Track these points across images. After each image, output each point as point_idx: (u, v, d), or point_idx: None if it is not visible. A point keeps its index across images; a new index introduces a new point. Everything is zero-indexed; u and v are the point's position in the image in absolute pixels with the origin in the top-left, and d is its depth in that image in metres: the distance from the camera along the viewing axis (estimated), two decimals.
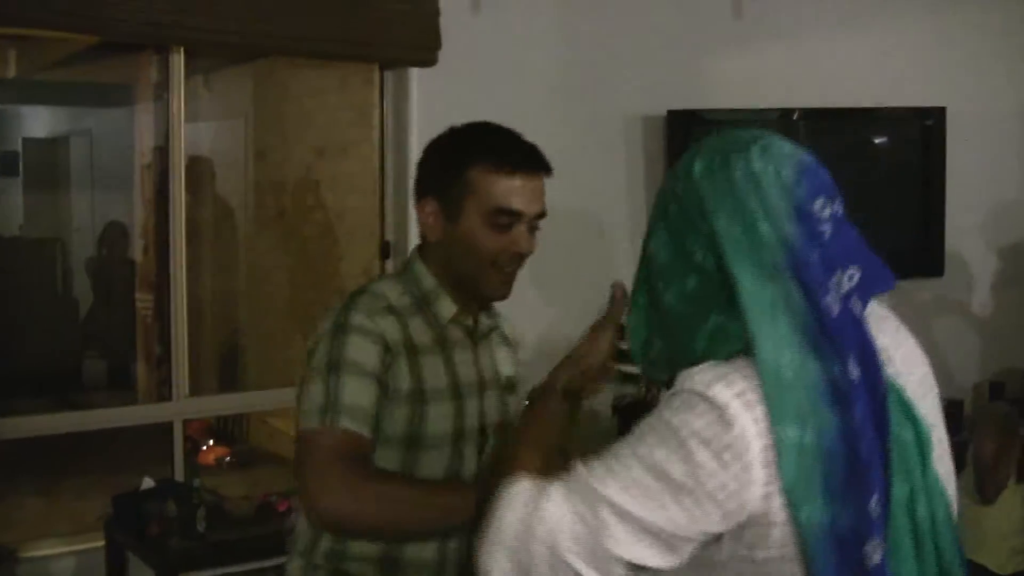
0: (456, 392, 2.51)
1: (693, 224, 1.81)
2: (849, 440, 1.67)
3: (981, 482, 5.24)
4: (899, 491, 1.73)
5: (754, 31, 6.45)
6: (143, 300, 7.14)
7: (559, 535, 1.68)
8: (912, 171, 6.46)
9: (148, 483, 4.98)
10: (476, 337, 2.60)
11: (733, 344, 1.73)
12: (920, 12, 6.46)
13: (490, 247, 2.46)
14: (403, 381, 2.42)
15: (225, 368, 7.57)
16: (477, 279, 2.51)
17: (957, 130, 6.32)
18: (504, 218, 2.45)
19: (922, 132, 6.42)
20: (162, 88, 5.79)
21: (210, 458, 6.93)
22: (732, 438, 1.66)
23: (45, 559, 5.12)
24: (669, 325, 1.85)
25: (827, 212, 1.89)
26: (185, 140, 5.70)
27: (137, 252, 7.36)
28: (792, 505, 1.65)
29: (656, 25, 6.40)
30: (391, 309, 2.46)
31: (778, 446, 1.65)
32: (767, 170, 1.83)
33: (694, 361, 1.76)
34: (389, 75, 6.04)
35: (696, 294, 1.80)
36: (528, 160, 2.52)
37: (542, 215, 2.52)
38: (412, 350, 2.45)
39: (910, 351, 2.01)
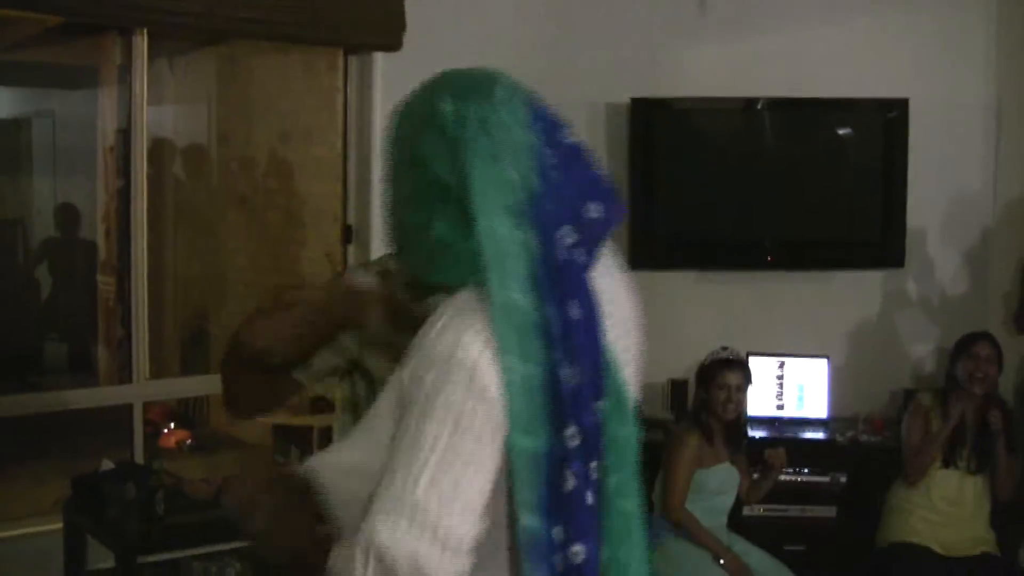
0: None
1: (442, 156, 1.93)
2: (564, 375, 1.81)
3: (907, 466, 5.45)
4: (615, 431, 1.93)
5: (719, 20, 6.47)
6: (105, 282, 7.11)
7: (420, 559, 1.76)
8: (875, 162, 6.49)
9: (107, 465, 4.96)
10: None
11: (463, 268, 1.86)
12: (884, 4, 6.48)
13: None
14: None
15: (187, 351, 7.55)
16: None
17: (920, 122, 6.35)
18: None
19: (885, 123, 6.45)
20: (125, 70, 5.75)
21: (171, 441, 6.92)
22: (488, 395, 1.79)
23: (5, 540, 5.10)
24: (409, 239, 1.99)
25: (559, 149, 1.96)
26: (148, 123, 5.68)
27: (99, 235, 7.32)
28: (511, 430, 1.79)
29: (620, 13, 6.42)
30: None
31: (503, 377, 1.79)
32: (512, 112, 1.97)
33: (431, 283, 1.94)
34: (353, 60, 6.03)
35: (422, 197, 1.94)
36: None
37: None
38: None
39: (620, 295, 2.16)
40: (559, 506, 1.84)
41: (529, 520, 1.82)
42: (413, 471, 1.78)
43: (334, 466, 1.96)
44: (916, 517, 5.40)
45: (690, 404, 5.83)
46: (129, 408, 5.60)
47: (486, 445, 1.80)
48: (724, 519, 5.40)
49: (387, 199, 2.05)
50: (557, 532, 1.84)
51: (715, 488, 5.34)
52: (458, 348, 1.81)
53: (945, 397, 5.52)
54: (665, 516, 5.29)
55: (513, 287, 1.82)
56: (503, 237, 1.83)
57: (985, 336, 5.55)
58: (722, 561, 5.16)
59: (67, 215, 7.63)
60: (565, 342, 1.83)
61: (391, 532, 1.76)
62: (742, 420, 5.52)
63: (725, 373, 5.35)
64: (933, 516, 5.38)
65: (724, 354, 5.44)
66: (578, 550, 1.86)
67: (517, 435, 1.81)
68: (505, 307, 1.81)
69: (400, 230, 2.02)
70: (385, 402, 1.93)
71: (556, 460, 1.83)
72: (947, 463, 5.39)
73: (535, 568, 1.83)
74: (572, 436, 1.83)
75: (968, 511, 5.40)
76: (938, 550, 5.33)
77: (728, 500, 5.41)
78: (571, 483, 1.85)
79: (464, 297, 1.86)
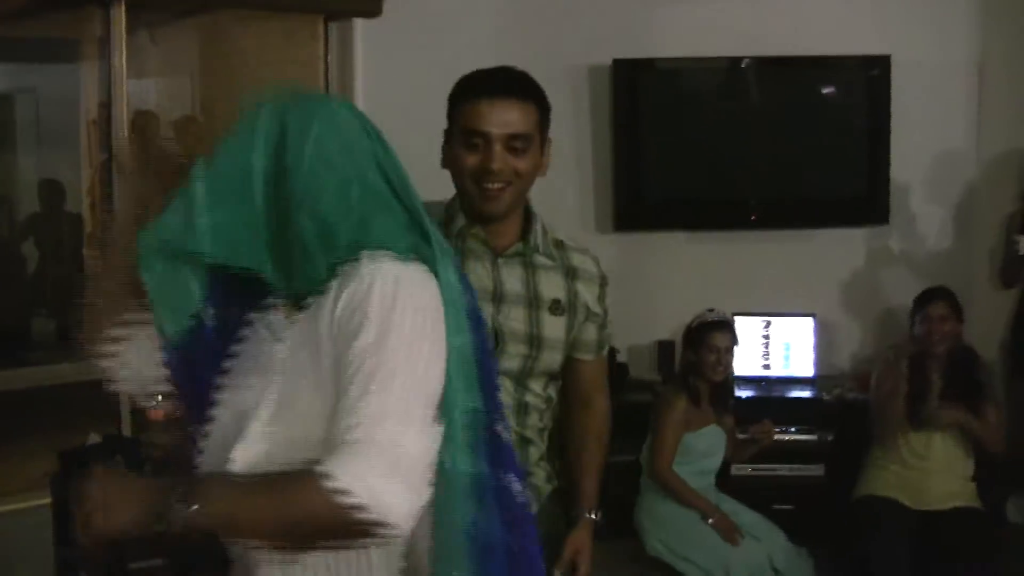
0: None
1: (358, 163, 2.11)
2: (481, 348, 2.08)
3: (875, 426, 5.48)
4: None
5: None
6: (91, 256, 7.09)
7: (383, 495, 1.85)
8: (858, 119, 6.51)
9: (94, 439, 4.98)
10: (505, 254, 2.89)
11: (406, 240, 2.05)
12: None
13: (466, 166, 2.77)
14: None
15: None
16: (466, 196, 2.83)
17: (903, 78, 6.35)
18: (474, 138, 2.74)
19: (868, 80, 6.45)
20: (106, 43, 5.74)
21: (159, 414, 6.92)
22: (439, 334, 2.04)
23: None
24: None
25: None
26: (131, 95, 5.67)
27: (84, 208, 7.30)
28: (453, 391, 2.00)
29: None
30: None
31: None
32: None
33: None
34: (333, 27, 6.03)
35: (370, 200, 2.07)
36: (494, 86, 2.77)
37: (517, 136, 2.75)
38: None
39: None
40: (496, 451, 2.07)
41: (478, 466, 2.03)
42: (368, 411, 1.87)
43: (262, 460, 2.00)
44: (888, 472, 5.42)
45: (677, 366, 5.84)
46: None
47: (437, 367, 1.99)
48: (712, 479, 5.44)
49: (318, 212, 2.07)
50: (499, 475, 2.07)
51: (703, 450, 5.37)
52: (400, 298, 1.96)
53: (911, 355, 5.50)
54: (652, 478, 5.32)
55: (451, 270, 2.06)
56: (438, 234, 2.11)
57: (939, 294, 5.50)
58: (711, 521, 5.19)
59: (50, 190, 7.60)
60: (474, 315, 2.09)
61: (351, 472, 1.82)
62: (729, 381, 5.54)
63: (713, 335, 5.36)
64: (902, 471, 5.40)
65: (711, 316, 5.46)
66: (516, 487, 2.10)
67: (457, 393, 2.00)
68: (448, 285, 2.04)
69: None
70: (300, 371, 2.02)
71: (489, 414, 2.06)
72: (911, 420, 5.37)
73: (487, 507, 2.03)
74: (495, 394, 2.11)
75: (938, 465, 5.41)
76: (906, 503, 5.35)
77: (716, 462, 5.44)
78: (504, 432, 2.11)
79: (388, 263, 2.00)
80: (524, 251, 2.90)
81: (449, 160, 2.84)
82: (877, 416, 5.49)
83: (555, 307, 2.90)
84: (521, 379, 2.90)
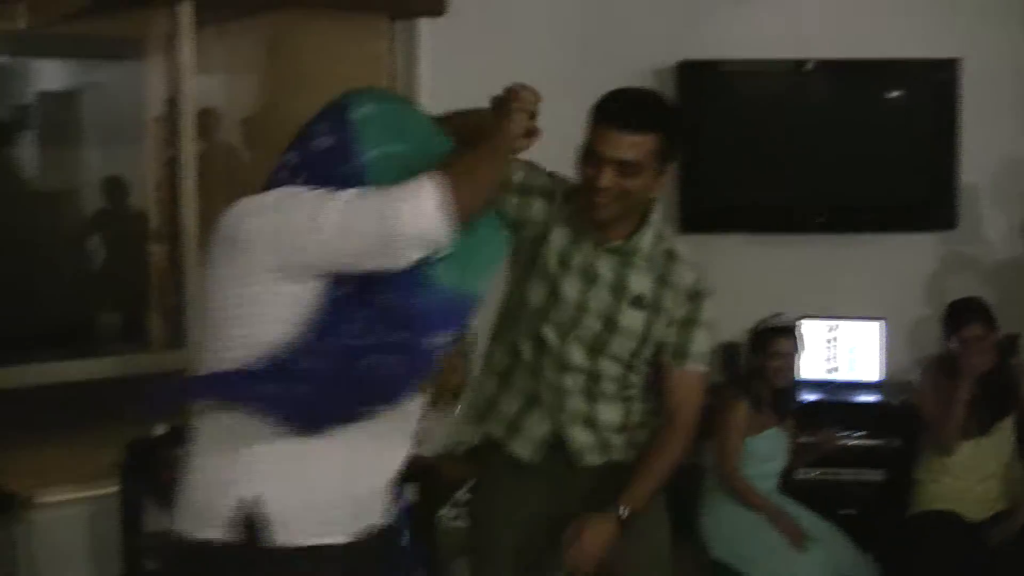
0: (554, 278, 3.28)
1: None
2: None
3: (933, 436, 5.37)
4: None
5: None
6: (157, 252, 7.14)
7: None
8: (925, 123, 6.44)
9: (162, 429, 5.01)
10: (606, 247, 3.27)
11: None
12: None
13: (582, 177, 3.17)
14: None
15: None
16: (582, 196, 3.22)
17: (970, 82, 6.29)
18: (588, 156, 3.15)
19: (935, 84, 6.39)
20: (172, 40, 5.78)
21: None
22: None
23: (63, 504, 5.16)
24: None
25: None
26: (197, 93, 5.71)
27: (150, 204, 7.36)
28: None
29: None
30: None
31: None
32: None
33: None
34: (399, 26, 6.04)
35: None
36: (617, 115, 3.13)
37: (624, 162, 3.08)
38: None
39: None
40: None
41: None
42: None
43: None
44: (942, 485, 5.34)
45: (742, 370, 5.81)
46: (182, 373, 5.64)
47: None
48: (775, 483, 5.39)
49: None
50: None
51: (765, 454, 5.33)
52: None
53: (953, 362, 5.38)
54: (721, 483, 5.29)
55: None
56: None
57: (974, 315, 5.38)
58: (778, 526, 5.16)
59: (114, 186, 7.66)
60: None
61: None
62: (792, 385, 5.50)
63: (778, 340, 5.33)
64: (954, 482, 5.33)
65: (776, 321, 5.42)
66: None
67: None
68: None
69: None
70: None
71: None
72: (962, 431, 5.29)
73: None
74: None
75: (986, 473, 5.35)
76: (965, 516, 5.30)
77: (778, 465, 5.40)
78: None
79: None
80: (622, 249, 3.25)
81: (578, 161, 3.21)
82: (933, 428, 5.40)
83: (637, 301, 3.24)
84: (592, 352, 3.29)
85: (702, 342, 3.33)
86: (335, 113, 2.64)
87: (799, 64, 6.45)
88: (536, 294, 3.30)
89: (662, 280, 3.29)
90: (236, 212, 2.51)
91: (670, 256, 3.32)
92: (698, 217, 6.41)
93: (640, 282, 3.27)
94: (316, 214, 2.41)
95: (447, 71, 5.99)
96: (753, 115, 6.52)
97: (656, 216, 3.34)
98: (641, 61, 6.42)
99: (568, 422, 3.34)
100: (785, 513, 5.24)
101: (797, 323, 5.53)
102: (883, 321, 6.38)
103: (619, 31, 6.39)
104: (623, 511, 3.17)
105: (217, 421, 2.49)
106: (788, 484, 5.54)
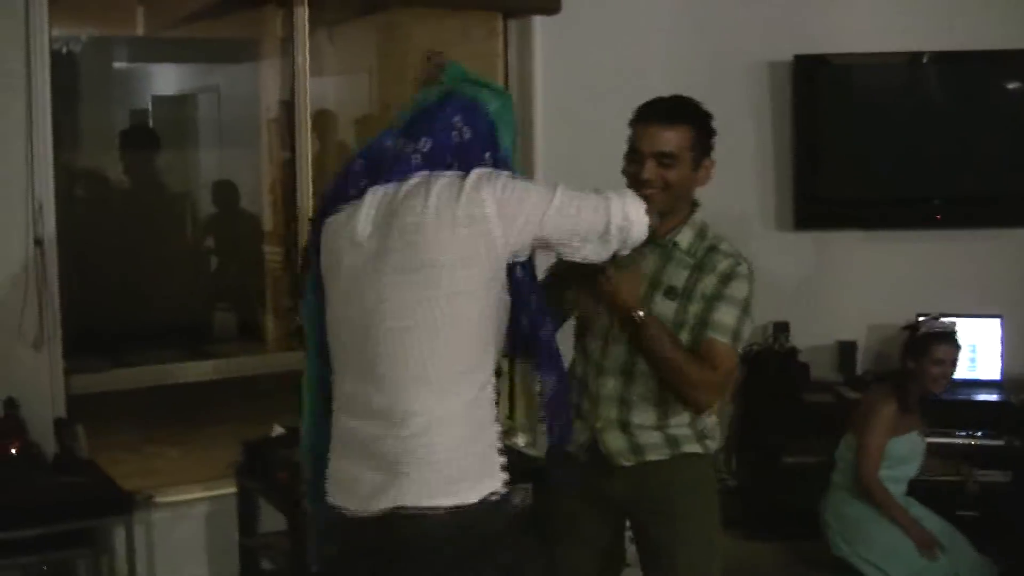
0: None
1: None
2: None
3: None
4: None
5: None
6: (272, 253, 7.22)
7: None
8: None
9: (278, 431, 5.05)
10: (657, 242, 3.41)
11: None
12: None
13: (628, 178, 3.38)
14: None
15: None
16: None
17: None
18: (631, 156, 3.40)
19: None
20: (287, 42, 5.83)
21: None
22: None
23: (181, 504, 5.21)
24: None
25: None
26: (310, 94, 5.75)
27: (265, 206, 7.44)
28: None
29: None
30: None
31: None
32: None
33: None
34: (513, 24, 6.04)
35: None
36: (650, 114, 3.39)
37: (664, 154, 3.33)
38: None
39: None
40: None
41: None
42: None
43: None
44: None
45: (859, 366, 5.71)
46: (299, 374, 5.67)
47: None
48: (905, 486, 5.29)
49: None
50: None
51: (902, 456, 5.23)
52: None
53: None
54: (857, 483, 5.20)
55: None
56: None
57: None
58: (911, 534, 5.07)
59: (225, 190, 7.76)
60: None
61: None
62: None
63: (939, 347, 5.21)
64: None
65: (938, 326, 5.31)
66: None
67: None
68: None
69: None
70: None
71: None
72: None
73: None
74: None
75: None
76: None
77: (913, 469, 5.29)
78: None
79: None
80: (664, 243, 3.45)
81: (623, 166, 3.44)
82: None
83: (670, 292, 3.42)
84: (629, 350, 3.42)
85: (726, 314, 3.37)
86: (470, 107, 2.82)
87: (915, 56, 6.35)
88: (585, 304, 3.52)
89: (698, 268, 3.45)
90: (450, 196, 2.65)
91: (711, 249, 3.47)
92: (813, 214, 6.34)
93: (677, 275, 3.45)
94: (550, 196, 2.76)
95: (561, 69, 5.98)
96: (868, 109, 6.41)
97: (700, 215, 3.52)
98: (756, 56, 6.38)
99: (603, 429, 3.51)
100: (917, 521, 5.15)
101: (955, 327, 5.38)
102: (1001, 318, 6.25)
103: (733, 26, 6.34)
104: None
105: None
106: (910, 484, 5.46)
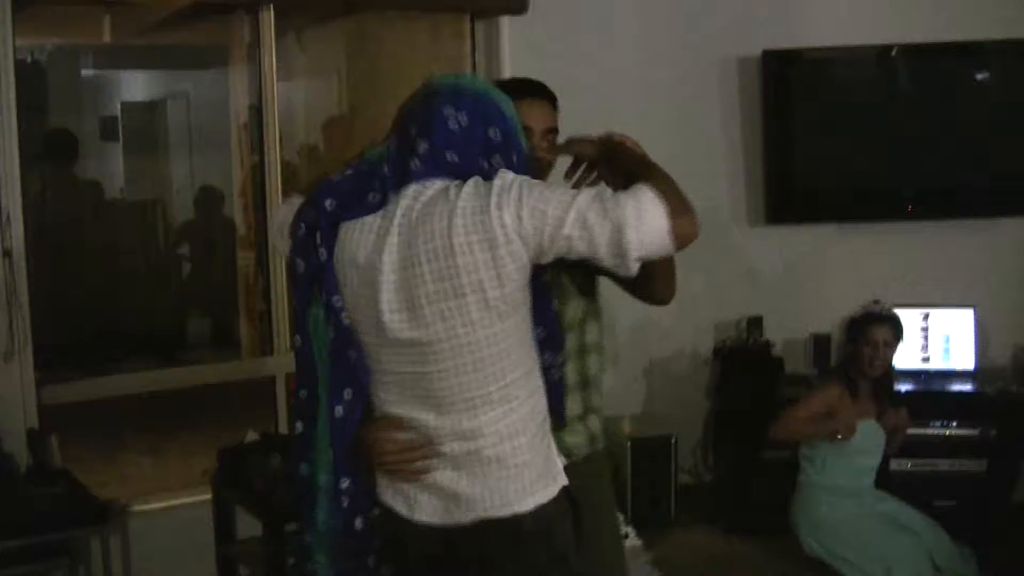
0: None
1: None
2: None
3: None
4: None
5: None
6: (244, 258, 7.21)
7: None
8: (1012, 106, 6.31)
9: (252, 437, 5.03)
10: None
11: None
12: None
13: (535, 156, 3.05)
14: None
15: None
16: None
17: None
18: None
19: (1022, 65, 6.27)
20: (254, 48, 5.81)
21: None
22: None
23: (155, 513, 5.21)
24: None
25: None
26: (279, 98, 5.73)
27: (236, 211, 7.42)
28: None
29: None
30: None
31: None
32: None
33: None
34: (480, 25, 6.03)
35: None
36: (534, 89, 3.20)
37: (551, 131, 3.16)
38: None
39: None
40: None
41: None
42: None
43: None
44: None
45: (834, 358, 5.73)
46: (272, 380, 5.69)
47: None
48: (871, 479, 5.28)
49: None
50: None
51: (860, 447, 5.24)
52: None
53: None
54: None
55: None
56: None
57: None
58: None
59: (207, 196, 7.74)
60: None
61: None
62: (890, 376, 5.39)
63: (873, 328, 5.23)
64: None
65: (875, 308, 5.33)
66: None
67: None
68: None
69: None
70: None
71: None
72: None
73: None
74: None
75: None
76: None
77: (873, 460, 5.27)
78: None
79: None
80: None
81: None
82: None
83: None
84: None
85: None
86: (494, 109, 2.68)
87: (884, 50, 6.36)
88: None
89: None
90: (475, 210, 2.50)
91: None
92: (785, 208, 6.34)
93: None
94: (573, 207, 2.48)
95: (529, 68, 5.96)
96: (839, 102, 6.42)
97: None
98: (725, 51, 6.38)
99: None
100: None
101: (895, 312, 5.40)
102: (974, 309, 6.27)
103: (701, 22, 6.34)
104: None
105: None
106: (883, 476, 5.47)
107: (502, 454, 2.55)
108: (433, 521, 2.60)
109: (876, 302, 5.37)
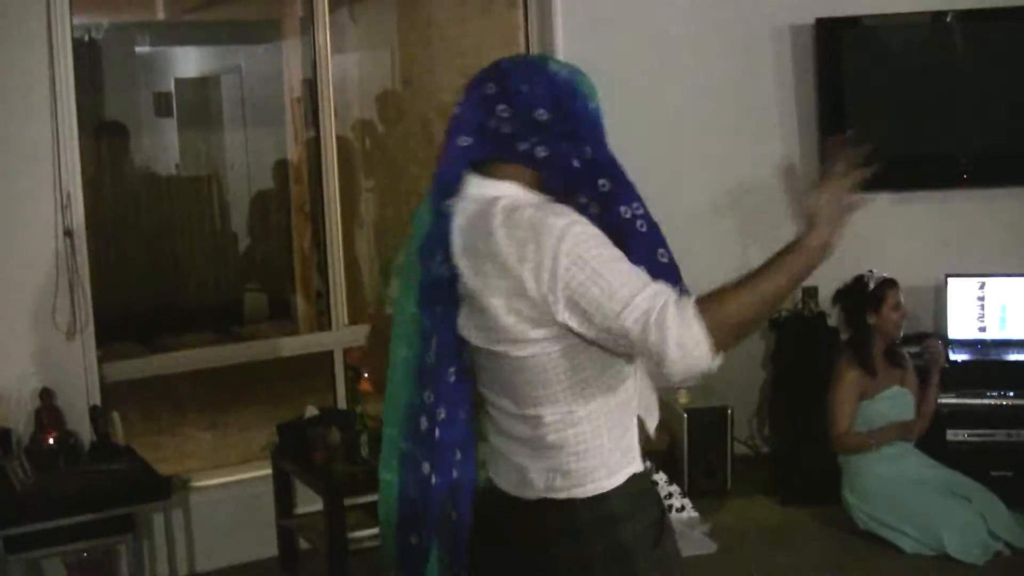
0: None
1: None
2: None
3: None
4: None
5: None
6: (300, 232, 7.24)
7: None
8: None
9: (311, 411, 5.08)
10: None
11: None
12: None
13: None
14: None
15: (384, 295, 7.62)
16: None
17: None
18: None
19: None
20: (308, 22, 5.84)
21: (371, 385, 7.02)
22: None
23: (218, 487, 5.27)
24: None
25: None
26: (332, 72, 5.75)
27: (291, 185, 7.45)
28: None
29: None
30: None
31: None
32: None
33: None
34: None
35: None
36: None
37: None
38: None
39: None
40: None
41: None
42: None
43: None
44: None
45: (845, 334, 5.71)
46: (330, 355, 5.72)
47: None
48: (910, 443, 5.33)
49: None
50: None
51: (888, 415, 5.26)
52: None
53: None
54: (835, 450, 5.28)
55: None
56: None
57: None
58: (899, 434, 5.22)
59: (279, 170, 7.73)
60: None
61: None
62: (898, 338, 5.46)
63: (894, 292, 5.28)
64: None
65: (881, 275, 5.38)
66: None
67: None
68: None
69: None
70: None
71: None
72: None
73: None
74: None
75: None
76: None
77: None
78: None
79: None
80: None
81: None
82: None
83: None
84: None
85: None
86: (492, 70, 2.52)
87: (939, 15, 6.30)
88: None
89: None
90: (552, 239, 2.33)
91: None
92: None
93: None
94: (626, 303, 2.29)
95: (582, 40, 5.97)
96: (893, 70, 6.37)
97: None
98: (778, 19, 6.34)
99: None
100: (897, 424, 5.26)
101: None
102: None
103: None
104: None
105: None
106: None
107: (564, 440, 2.52)
108: (509, 490, 2.60)
109: (871, 271, 5.40)
